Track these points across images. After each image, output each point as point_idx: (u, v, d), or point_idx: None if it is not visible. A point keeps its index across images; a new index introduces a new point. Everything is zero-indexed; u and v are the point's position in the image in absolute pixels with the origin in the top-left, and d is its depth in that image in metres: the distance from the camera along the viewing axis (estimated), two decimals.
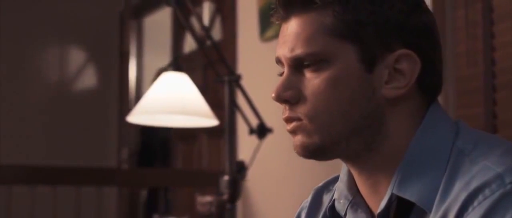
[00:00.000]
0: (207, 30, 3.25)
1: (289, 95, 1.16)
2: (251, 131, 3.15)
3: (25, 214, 4.07)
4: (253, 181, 4.12)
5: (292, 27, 1.17)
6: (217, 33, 4.97)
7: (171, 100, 2.92)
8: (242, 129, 3.58)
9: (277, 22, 1.20)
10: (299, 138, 1.17)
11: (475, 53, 2.84)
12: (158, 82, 2.98)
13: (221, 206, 2.85)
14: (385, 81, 1.15)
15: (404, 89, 1.15)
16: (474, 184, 1.05)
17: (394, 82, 1.15)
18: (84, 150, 5.65)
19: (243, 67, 4.18)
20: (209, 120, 3.06)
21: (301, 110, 1.16)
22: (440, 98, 2.95)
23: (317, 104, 1.14)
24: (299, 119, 1.16)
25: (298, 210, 1.36)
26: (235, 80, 3.00)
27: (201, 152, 5.07)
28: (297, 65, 1.17)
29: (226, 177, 2.91)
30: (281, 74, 1.20)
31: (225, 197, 2.84)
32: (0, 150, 5.70)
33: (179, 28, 5.35)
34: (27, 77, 6.11)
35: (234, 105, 3.04)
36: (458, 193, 1.06)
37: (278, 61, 1.20)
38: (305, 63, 1.16)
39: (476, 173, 1.06)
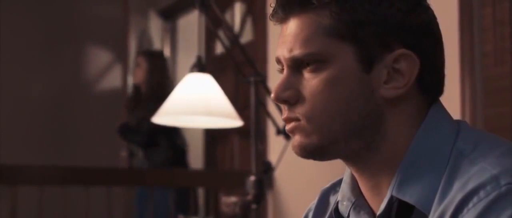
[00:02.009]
0: (234, 35, 3.25)
1: (288, 95, 1.16)
2: (278, 131, 3.15)
3: (57, 214, 4.11)
4: (283, 181, 4.12)
5: (290, 28, 1.17)
6: (248, 34, 4.98)
7: (195, 102, 2.93)
8: (272, 129, 3.58)
9: (276, 23, 1.20)
10: (297, 138, 1.17)
11: (502, 52, 2.81)
12: (183, 83, 3.00)
13: (246, 207, 2.85)
14: (384, 81, 1.14)
15: (403, 89, 1.14)
16: (470, 186, 1.04)
17: (393, 82, 1.14)
18: (111, 151, 5.71)
19: (273, 67, 4.18)
20: (233, 121, 3.06)
21: (300, 110, 1.15)
22: (467, 98, 2.94)
23: (315, 105, 1.14)
24: (297, 119, 1.16)
25: (305, 212, 1.36)
26: (261, 81, 3.00)
27: (233, 152, 5.09)
28: (296, 65, 1.16)
29: (252, 177, 2.91)
30: (280, 71, 1.20)
31: (250, 197, 2.84)
32: (34, 151, 5.78)
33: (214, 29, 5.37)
34: (61, 78, 6.18)
35: (260, 106, 3.05)
36: (455, 194, 1.05)
37: (278, 61, 1.20)
38: (304, 63, 1.15)
39: (473, 174, 1.05)
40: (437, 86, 1.18)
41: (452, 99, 2.90)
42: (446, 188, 1.07)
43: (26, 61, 6.10)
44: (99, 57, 6.40)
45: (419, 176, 1.11)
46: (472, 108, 2.88)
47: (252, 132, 2.97)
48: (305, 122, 1.15)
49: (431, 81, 1.16)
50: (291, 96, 1.16)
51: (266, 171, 3.05)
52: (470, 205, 1.02)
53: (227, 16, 5.29)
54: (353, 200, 1.22)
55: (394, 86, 1.14)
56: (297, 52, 1.15)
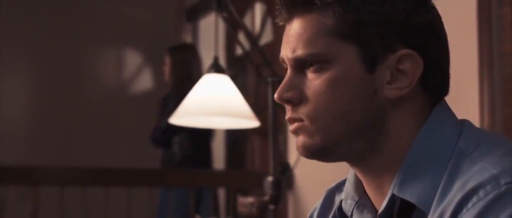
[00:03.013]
0: (252, 37, 3.25)
1: (291, 95, 1.16)
2: None
3: (78, 215, 4.15)
4: (303, 181, 4.12)
5: (294, 28, 1.17)
6: (268, 34, 4.98)
7: (212, 102, 2.93)
8: None
9: (281, 23, 1.20)
10: (301, 139, 1.17)
11: None
12: (200, 84, 3.01)
13: (262, 207, 2.85)
14: (387, 82, 1.14)
15: (407, 89, 1.14)
16: (469, 185, 1.03)
17: (397, 83, 1.14)
18: (136, 151, 5.74)
19: None
20: (250, 121, 3.07)
21: (303, 111, 1.15)
22: (486, 97, 2.92)
23: (318, 105, 1.14)
24: (301, 120, 1.16)
25: (310, 211, 1.36)
26: (278, 82, 3.00)
27: (254, 153, 5.09)
28: (299, 66, 1.16)
29: (269, 178, 2.91)
30: (285, 71, 1.20)
31: (266, 198, 2.84)
32: (55, 152, 5.82)
33: (233, 30, 5.37)
34: (84, 80, 6.22)
35: (279, 106, 3.05)
36: (455, 193, 1.04)
37: (282, 61, 1.20)
38: (307, 64, 1.15)
39: (474, 173, 1.04)
40: (442, 86, 1.18)
41: (470, 99, 2.89)
42: (446, 187, 1.07)
43: (49, 64, 6.15)
44: (130, 60, 6.45)
45: (420, 175, 1.11)
46: (491, 108, 2.86)
47: (270, 132, 2.98)
48: (308, 122, 1.15)
49: (435, 81, 1.16)
50: (294, 96, 1.16)
51: (283, 171, 3.06)
52: (470, 204, 1.01)
53: (248, 17, 5.30)
54: (357, 199, 1.22)
55: (397, 87, 1.14)
56: (300, 52, 1.15)
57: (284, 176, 2.99)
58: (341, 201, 1.25)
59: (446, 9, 2.92)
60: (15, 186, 4.25)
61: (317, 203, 1.35)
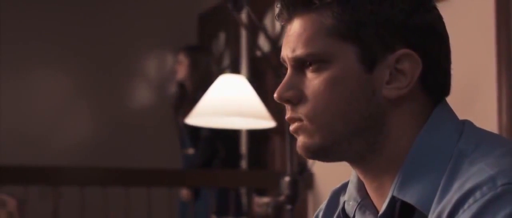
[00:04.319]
0: (271, 38, 3.26)
1: (290, 95, 1.16)
2: None
3: (98, 214, 4.17)
4: (323, 181, 4.12)
5: (294, 28, 1.17)
6: None
7: (228, 102, 2.94)
8: None
9: (282, 24, 1.21)
10: (301, 139, 1.17)
11: None
12: (216, 84, 3.02)
13: (278, 207, 2.85)
14: (386, 82, 1.13)
15: (406, 89, 1.13)
16: (467, 186, 1.02)
17: (396, 83, 1.13)
18: (157, 152, 5.77)
19: None
20: (266, 122, 3.07)
21: (302, 110, 1.15)
22: (504, 93, 2.89)
23: (317, 105, 1.14)
24: (300, 120, 1.16)
25: (316, 212, 1.36)
26: None
27: (274, 153, 5.10)
28: (299, 65, 1.16)
29: (286, 178, 2.90)
30: (285, 70, 1.20)
31: (282, 198, 2.84)
32: (71, 152, 5.87)
33: (252, 30, 5.37)
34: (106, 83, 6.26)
35: None
36: (453, 194, 1.04)
37: (283, 61, 1.20)
38: (306, 63, 1.15)
39: (472, 174, 1.04)
40: (442, 86, 1.17)
41: (488, 95, 2.86)
42: (445, 188, 1.06)
43: (72, 66, 6.20)
44: (150, 62, 6.49)
45: (420, 176, 1.10)
46: (509, 108, 2.84)
47: (287, 132, 2.97)
48: (308, 122, 1.15)
49: (435, 81, 1.15)
50: (293, 96, 1.16)
51: (301, 171, 3.05)
52: (466, 206, 1.01)
53: (269, 17, 5.29)
54: (359, 200, 1.21)
55: (396, 87, 1.13)
56: (299, 52, 1.15)
57: (302, 176, 2.97)
58: (344, 202, 1.25)
59: (464, 9, 2.90)
60: (36, 186, 4.28)
61: (322, 204, 1.34)
